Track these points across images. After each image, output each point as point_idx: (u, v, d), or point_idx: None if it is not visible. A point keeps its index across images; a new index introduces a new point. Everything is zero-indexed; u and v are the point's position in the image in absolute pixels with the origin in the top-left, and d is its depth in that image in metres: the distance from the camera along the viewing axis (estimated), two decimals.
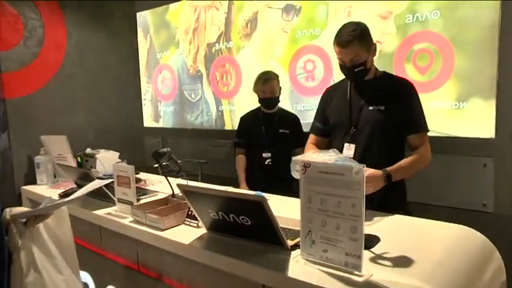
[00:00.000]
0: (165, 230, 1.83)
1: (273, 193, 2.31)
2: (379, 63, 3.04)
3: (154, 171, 3.22)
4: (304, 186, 1.36)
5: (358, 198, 1.23)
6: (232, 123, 4.12)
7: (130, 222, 2.00)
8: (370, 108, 2.05)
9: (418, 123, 2.05)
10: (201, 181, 3.37)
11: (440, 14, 2.83)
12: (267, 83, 3.06)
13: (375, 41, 3.07)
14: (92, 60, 3.90)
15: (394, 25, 3.01)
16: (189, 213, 1.88)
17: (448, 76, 2.82)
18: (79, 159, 3.17)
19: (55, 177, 3.06)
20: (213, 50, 4.21)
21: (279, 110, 3.21)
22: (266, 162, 3.10)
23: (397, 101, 2.02)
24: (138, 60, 4.89)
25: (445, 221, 1.87)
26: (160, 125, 4.87)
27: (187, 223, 1.87)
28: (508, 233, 2.59)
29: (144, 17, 4.85)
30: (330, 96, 2.26)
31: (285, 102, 3.59)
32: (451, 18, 2.79)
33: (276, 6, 3.62)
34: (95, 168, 2.96)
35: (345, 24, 2.04)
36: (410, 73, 2.96)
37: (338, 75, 3.25)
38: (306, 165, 1.35)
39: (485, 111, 2.70)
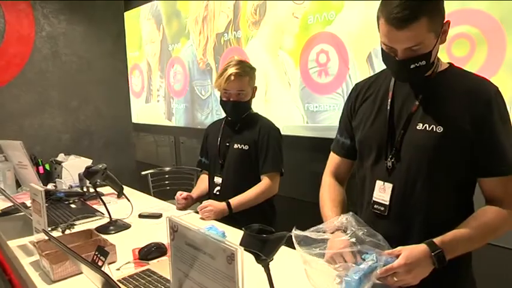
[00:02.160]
0: (56, 281, 1.35)
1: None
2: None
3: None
4: (173, 262, 0.80)
5: None
6: None
7: (32, 263, 1.54)
8: (419, 127, 1.25)
9: (505, 159, 1.21)
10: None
11: None
12: (233, 80, 2.14)
13: None
14: (69, 55, 3.48)
15: None
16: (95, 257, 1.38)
17: (497, 68, 2.09)
18: (47, 166, 2.78)
19: (19, 186, 2.69)
20: (222, 41, 3.70)
21: (248, 117, 2.29)
22: (215, 191, 2.26)
23: (467, 121, 1.20)
24: (126, 54, 4.46)
25: None
26: (172, 123, 4.46)
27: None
28: None
29: (157, 7, 4.44)
30: (359, 97, 1.43)
31: (296, 102, 3.00)
32: None
33: None
34: (61, 178, 2.56)
35: None
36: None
37: (357, 71, 2.62)
38: (174, 229, 0.79)
39: None
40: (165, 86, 4.54)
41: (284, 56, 3.09)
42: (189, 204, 2.22)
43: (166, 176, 3.45)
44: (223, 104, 2.21)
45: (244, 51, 3.46)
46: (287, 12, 3.03)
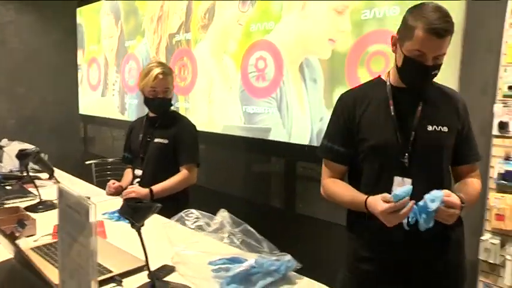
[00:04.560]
0: None
1: None
2: (330, 65, 2.69)
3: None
4: (59, 222, 0.98)
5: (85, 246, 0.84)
6: None
7: None
8: (429, 128, 1.46)
9: (476, 150, 1.58)
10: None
11: (400, 11, 2.36)
12: (161, 78, 2.33)
13: (327, 39, 2.75)
14: (17, 43, 3.57)
15: (350, 21, 2.56)
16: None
17: None
18: None
19: None
20: (174, 42, 3.86)
21: (168, 114, 2.48)
22: (135, 182, 2.41)
23: (457, 121, 1.51)
24: (76, 44, 4.56)
25: None
26: (125, 117, 4.57)
27: None
28: None
29: (117, 3, 4.56)
30: (356, 106, 1.51)
31: (236, 104, 3.21)
32: None
33: None
34: (1, 162, 2.66)
35: (425, 3, 1.38)
36: (362, 78, 2.50)
37: (290, 78, 2.84)
38: (60, 194, 0.96)
39: None
40: (120, 81, 4.66)
41: (227, 60, 3.29)
42: (119, 192, 2.38)
43: (109, 166, 3.59)
44: (149, 101, 2.40)
45: (192, 53, 3.64)
46: (232, 19, 3.24)
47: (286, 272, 1.37)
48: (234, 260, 1.38)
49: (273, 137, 2.95)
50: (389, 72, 1.51)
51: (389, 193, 1.32)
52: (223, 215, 1.56)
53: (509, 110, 1.99)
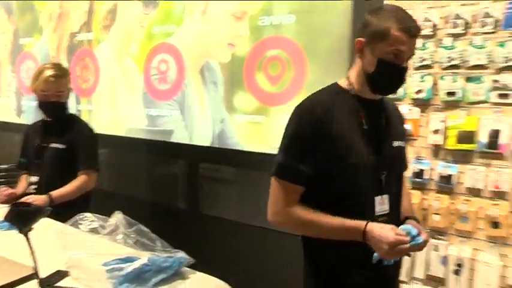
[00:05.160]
0: None
1: None
2: (230, 68, 2.76)
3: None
4: None
5: None
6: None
7: None
8: (394, 144, 1.40)
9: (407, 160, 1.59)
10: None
11: (295, 19, 2.52)
12: (53, 81, 2.23)
13: (227, 43, 2.85)
14: None
15: (248, 27, 2.67)
16: None
17: (300, 89, 2.52)
18: None
19: None
20: (76, 41, 3.72)
21: (65, 118, 2.39)
22: (32, 189, 2.32)
23: (405, 133, 1.52)
24: None
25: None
26: (22, 120, 4.30)
27: None
28: None
29: None
30: (324, 121, 1.29)
31: (139, 106, 3.19)
32: (305, 24, 2.50)
33: None
34: None
35: (384, 6, 1.40)
36: (261, 83, 2.64)
37: (191, 81, 2.88)
38: None
39: None
40: (16, 81, 4.37)
41: (130, 62, 3.26)
42: (13, 199, 2.26)
43: (4, 173, 3.37)
44: (41, 105, 2.32)
45: (94, 53, 3.54)
46: (135, 21, 3.21)
47: (179, 267, 1.42)
48: (127, 260, 1.40)
49: (175, 139, 2.98)
50: (347, 79, 1.37)
51: (367, 215, 1.28)
52: (117, 217, 1.57)
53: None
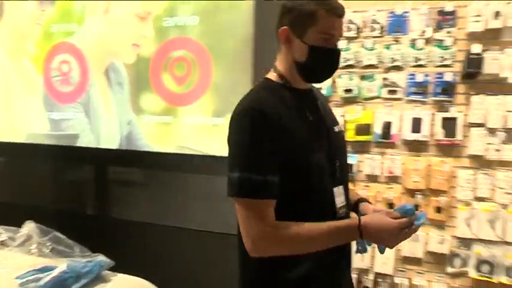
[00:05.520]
0: None
1: None
2: (135, 69, 2.70)
3: None
4: None
5: None
6: None
7: None
8: (336, 129, 1.31)
9: None
10: None
11: (199, 20, 2.56)
12: None
13: (131, 43, 2.81)
14: None
15: (153, 27, 2.66)
16: None
17: (206, 89, 2.57)
18: None
19: None
20: None
21: None
22: None
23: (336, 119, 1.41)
24: None
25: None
26: None
27: None
28: None
29: None
30: (275, 119, 1.14)
31: (39, 110, 3.02)
32: (209, 25, 2.55)
33: None
34: None
35: None
36: (167, 83, 2.64)
37: (96, 82, 2.80)
38: None
39: None
40: None
41: (27, 62, 3.07)
42: None
43: None
44: None
45: None
46: (30, 18, 3.03)
47: (100, 271, 1.41)
48: (45, 269, 1.36)
49: (81, 143, 2.87)
50: (276, 72, 1.24)
51: (328, 208, 1.21)
52: (29, 226, 1.51)
53: None
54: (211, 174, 2.56)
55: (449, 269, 2.12)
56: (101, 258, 1.47)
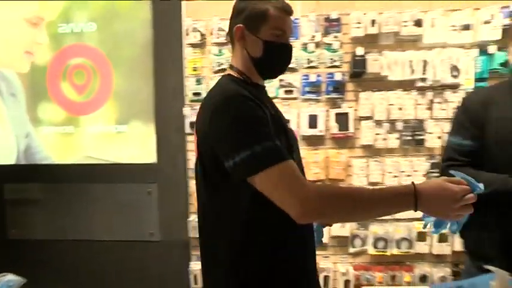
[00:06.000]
0: None
1: None
2: (30, 78, 2.54)
3: None
4: None
5: None
6: None
7: None
8: (289, 126, 1.35)
9: None
10: None
11: (97, 27, 2.51)
12: None
13: (24, 51, 2.65)
14: None
15: (47, 34, 2.55)
16: None
17: (107, 96, 2.53)
18: None
19: None
20: None
21: None
22: None
23: None
24: None
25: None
26: None
27: None
28: (175, 259, 2.51)
29: None
30: (256, 104, 1.18)
31: None
32: (107, 31, 2.51)
33: None
34: None
35: None
36: (67, 92, 2.55)
37: None
38: None
39: (146, 135, 2.52)
40: None
41: None
42: None
43: None
44: None
45: None
46: None
47: None
48: None
49: None
50: (234, 69, 1.25)
51: None
52: None
53: (195, 111, 2.41)
54: (119, 183, 2.54)
55: (351, 249, 2.36)
56: (9, 277, 1.40)
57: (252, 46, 1.21)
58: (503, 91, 1.38)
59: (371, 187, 1.07)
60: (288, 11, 1.23)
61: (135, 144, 2.53)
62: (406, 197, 1.00)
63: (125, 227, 2.55)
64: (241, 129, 1.07)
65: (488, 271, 0.82)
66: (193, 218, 2.43)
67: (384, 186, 1.07)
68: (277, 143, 1.05)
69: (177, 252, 2.52)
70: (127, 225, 2.55)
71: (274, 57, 1.23)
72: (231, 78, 1.23)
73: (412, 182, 1.01)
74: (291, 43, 1.26)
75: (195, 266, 2.41)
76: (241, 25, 1.20)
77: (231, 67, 1.24)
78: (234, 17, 1.23)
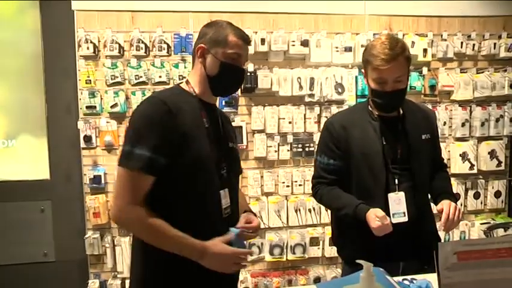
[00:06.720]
0: None
1: None
2: None
3: None
4: None
5: None
6: None
7: None
8: (231, 145, 1.50)
9: None
10: None
11: None
12: None
13: None
14: None
15: None
16: None
17: None
18: None
19: None
20: None
21: None
22: None
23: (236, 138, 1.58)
24: None
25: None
26: None
27: None
28: (72, 278, 2.44)
29: None
30: (173, 111, 1.32)
31: None
32: None
33: None
34: None
35: (215, 21, 1.42)
36: None
37: None
38: None
39: (38, 149, 2.42)
40: None
41: None
42: None
43: None
44: None
45: None
46: None
47: None
48: None
49: None
50: (188, 83, 1.39)
51: (215, 207, 1.32)
52: None
53: (90, 125, 2.36)
54: (9, 201, 2.41)
55: (249, 257, 2.43)
56: None
57: (210, 65, 1.35)
58: (361, 113, 1.58)
59: (175, 230, 1.22)
60: (246, 39, 1.39)
61: (26, 159, 2.42)
62: (195, 252, 1.23)
63: (17, 248, 2.42)
64: (133, 127, 1.26)
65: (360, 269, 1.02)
66: (90, 235, 2.37)
67: (185, 236, 1.23)
68: (149, 153, 1.21)
69: (74, 271, 2.45)
70: (19, 246, 2.42)
71: (228, 77, 1.38)
72: (178, 89, 1.39)
73: (204, 245, 1.23)
74: (244, 67, 1.40)
75: (93, 284, 2.36)
76: (203, 45, 1.34)
77: (187, 82, 1.39)
78: (199, 38, 1.37)
